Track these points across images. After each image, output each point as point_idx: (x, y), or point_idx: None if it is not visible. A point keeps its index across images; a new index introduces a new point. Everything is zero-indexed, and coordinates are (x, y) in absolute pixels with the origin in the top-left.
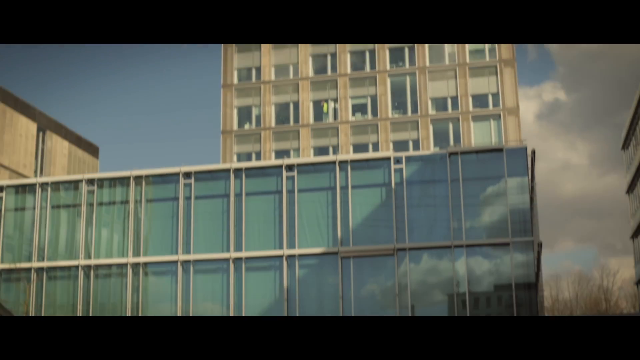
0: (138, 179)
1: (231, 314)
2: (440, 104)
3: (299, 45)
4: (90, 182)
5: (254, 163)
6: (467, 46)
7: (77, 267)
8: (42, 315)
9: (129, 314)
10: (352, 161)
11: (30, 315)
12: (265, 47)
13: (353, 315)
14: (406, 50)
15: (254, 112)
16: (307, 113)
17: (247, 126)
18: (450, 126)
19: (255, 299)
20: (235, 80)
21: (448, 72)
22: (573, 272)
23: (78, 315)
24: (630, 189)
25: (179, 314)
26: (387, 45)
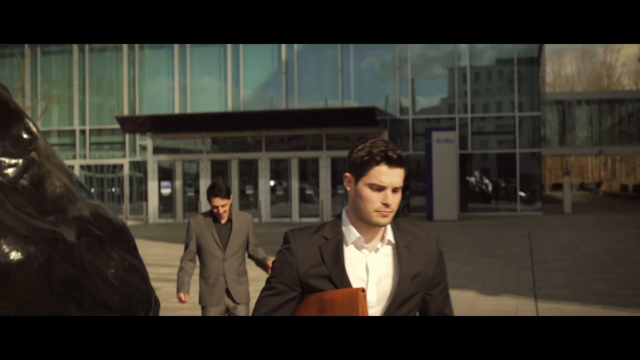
0: None
1: (229, 89)
2: None
3: None
4: None
5: None
6: None
7: None
8: (38, 90)
9: (125, 89)
10: None
11: (24, 90)
12: None
13: (352, 88)
14: None
15: None
16: None
17: None
18: None
19: (253, 72)
20: None
21: None
22: (576, 48)
23: (74, 89)
24: None
25: (176, 88)
26: None
